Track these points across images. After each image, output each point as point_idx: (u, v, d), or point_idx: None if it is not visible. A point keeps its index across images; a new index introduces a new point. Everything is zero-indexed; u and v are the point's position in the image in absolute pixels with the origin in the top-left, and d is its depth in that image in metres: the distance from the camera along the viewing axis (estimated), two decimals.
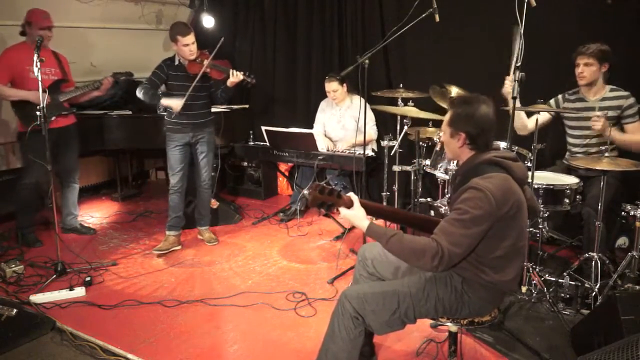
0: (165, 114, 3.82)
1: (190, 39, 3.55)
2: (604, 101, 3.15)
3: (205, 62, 3.59)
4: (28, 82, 3.60)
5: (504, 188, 1.81)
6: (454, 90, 3.76)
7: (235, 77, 3.61)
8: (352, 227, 2.05)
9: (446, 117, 2.01)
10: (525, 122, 3.36)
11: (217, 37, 3.66)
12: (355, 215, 1.98)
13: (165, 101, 3.63)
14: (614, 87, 3.17)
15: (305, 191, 2.31)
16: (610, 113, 3.11)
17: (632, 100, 3.10)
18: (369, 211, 2.05)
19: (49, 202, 3.47)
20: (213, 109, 4.01)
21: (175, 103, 3.59)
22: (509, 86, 3.12)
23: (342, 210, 1.99)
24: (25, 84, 3.62)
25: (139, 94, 3.65)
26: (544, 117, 3.32)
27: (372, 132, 4.32)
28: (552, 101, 3.37)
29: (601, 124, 3.00)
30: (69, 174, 4.08)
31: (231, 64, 3.82)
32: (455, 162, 3.08)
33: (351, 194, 2.03)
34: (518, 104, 2.93)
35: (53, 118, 3.73)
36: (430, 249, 1.77)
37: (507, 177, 1.87)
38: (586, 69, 3.11)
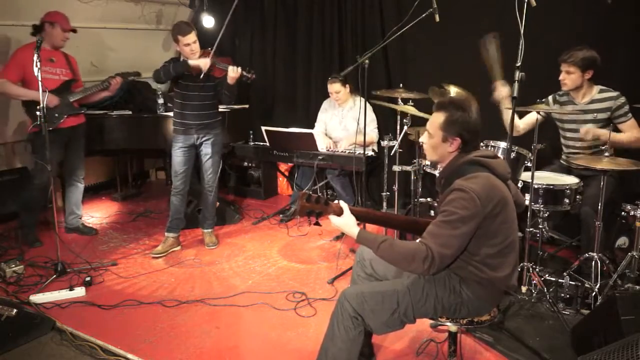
0: (171, 113, 3.78)
1: (191, 38, 3.50)
2: (593, 103, 3.10)
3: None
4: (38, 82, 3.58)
5: (487, 187, 1.83)
6: (454, 90, 3.76)
7: (234, 72, 3.51)
8: None
9: (436, 120, 1.94)
10: (516, 122, 3.31)
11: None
12: (345, 223, 1.99)
13: (192, 62, 3.52)
14: (604, 87, 3.11)
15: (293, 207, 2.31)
16: (600, 115, 3.07)
17: (621, 100, 3.04)
18: (359, 217, 2.06)
19: (49, 203, 3.47)
20: None
21: (203, 62, 3.51)
22: (503, 91, 3.16)
23: (332, 218, 2.01)
24: (35, 84, 3.58)
25: (159, 76, 3.54)
26: (532, 117, 3.29)
27: (372, 134, 4.32)
28: (543, 101, 3.34)
29: (591, 136, 3.02)
30: (74, 172, 4.08)
31: (232, 60, 3.75)
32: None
33: (341, 202, 2.03)
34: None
35: (64, 118, 3.77)
36: (419, 252, 1.78)
37: (489, 175, 1.88)
38: (567, 76, 3.09)
